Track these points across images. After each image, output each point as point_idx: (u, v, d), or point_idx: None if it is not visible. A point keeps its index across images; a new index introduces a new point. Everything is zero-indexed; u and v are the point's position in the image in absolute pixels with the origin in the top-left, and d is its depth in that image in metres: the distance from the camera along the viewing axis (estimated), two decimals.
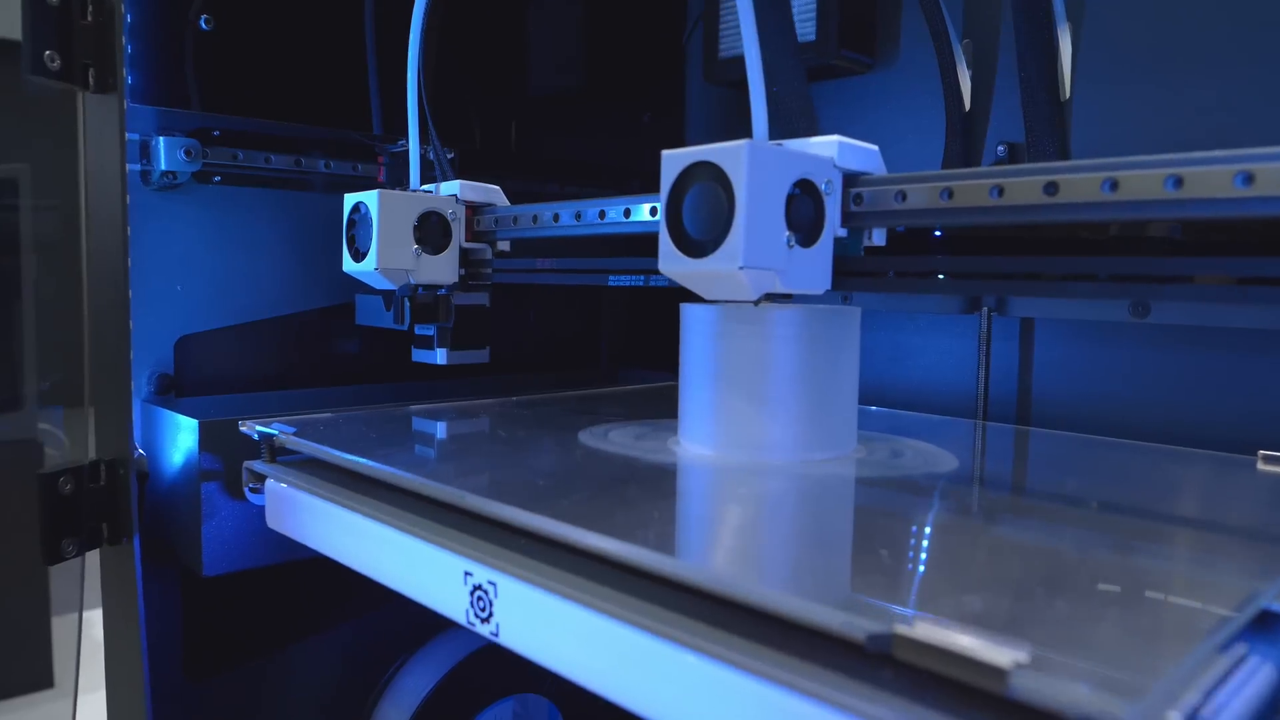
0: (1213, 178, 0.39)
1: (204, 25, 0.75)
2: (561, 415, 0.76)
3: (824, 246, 0.53)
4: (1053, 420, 0.81)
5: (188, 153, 0.76)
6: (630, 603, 0.38)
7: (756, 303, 0.56)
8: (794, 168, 0.51)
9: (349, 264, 0.78)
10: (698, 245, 0.50)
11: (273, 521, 0.64)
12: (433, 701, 0.89)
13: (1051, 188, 0.44)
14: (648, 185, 1.10)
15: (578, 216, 0.69)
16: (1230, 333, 0.72)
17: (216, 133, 0.80)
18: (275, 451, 0.65)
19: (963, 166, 0.85)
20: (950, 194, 0.49)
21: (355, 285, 0.83)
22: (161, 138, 0.75)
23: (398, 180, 0.91)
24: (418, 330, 0.83)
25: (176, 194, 0.79)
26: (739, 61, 0.99)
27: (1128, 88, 0.76)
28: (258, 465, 0.65)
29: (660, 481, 0.52)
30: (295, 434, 0.64)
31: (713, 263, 0.49)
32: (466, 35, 0.95)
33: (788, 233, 0.50)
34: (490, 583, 0.45)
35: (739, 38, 0.98)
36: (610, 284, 0.72)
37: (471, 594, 0.46)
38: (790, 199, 0.50)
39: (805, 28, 0.91)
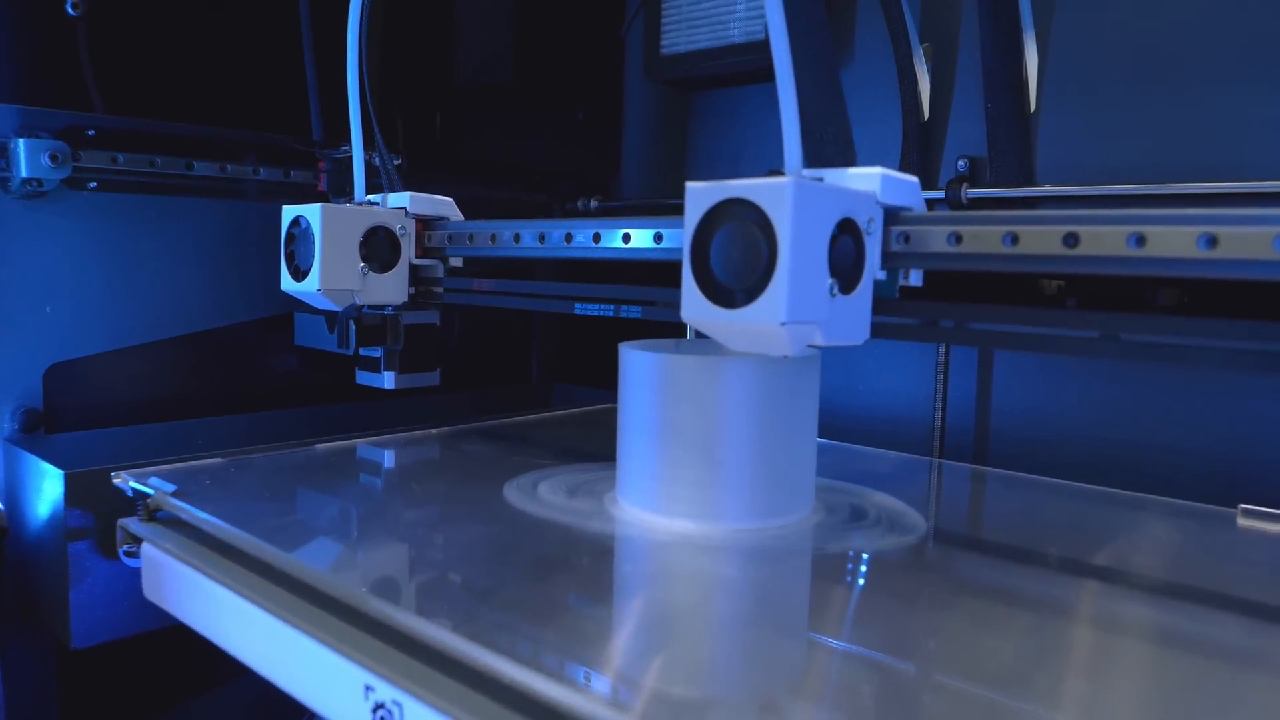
0: (1251, 240, 0.33)
1: (71, 10, 0.66)
2: (487, 455, 0.69)
3: (864, 292, 0.47)
4: (1012, 450, 0.76)
5: (54, 157, 0.66)
6: None
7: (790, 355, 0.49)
8: (837, 206, 0.45)
9: (288, 283, 0.70)
10: (728, 294, 0.43)
11: (150, 592, 0.55)
12: None
13: (1072, 239, 0.39)
14: (582, 188, 1.04)
15: (541, 238, 0.63)
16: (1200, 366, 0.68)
17: (91, 133, 0.70)
18: (153, 508, 0.57)
19: (919, 179, 0.79)
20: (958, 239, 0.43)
21: (265, 301, 0.75)
22: (21, 140, 0.65)
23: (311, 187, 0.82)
24: (363, 352, 0.76)
25: (43, 203, 0.69)
26: (684, 58, 0.93)
27: (1098, 101, 0.72)
28: (133, 525, 0.57)
29: (595, 569, 0.45)
30: (175, 493, 0.55)
31: (750, 316, 0.42)
32: (384, 28, 0.87)
33: (830, 280, 0.44)
34: (395, 703, 0.37)
35: (684, 32, 0.91)
36: (576, 312, 0.65)
37: (374, 712, 0.39)
38: (832, 241, 0.44)
39: (754, 25, 0.84)
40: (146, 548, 0.55)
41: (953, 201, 0.74)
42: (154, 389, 0.77)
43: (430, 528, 0.52)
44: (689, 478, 0.50)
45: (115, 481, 0.59)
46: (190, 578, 0.51)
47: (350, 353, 0.75)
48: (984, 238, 0.43)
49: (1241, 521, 0.55)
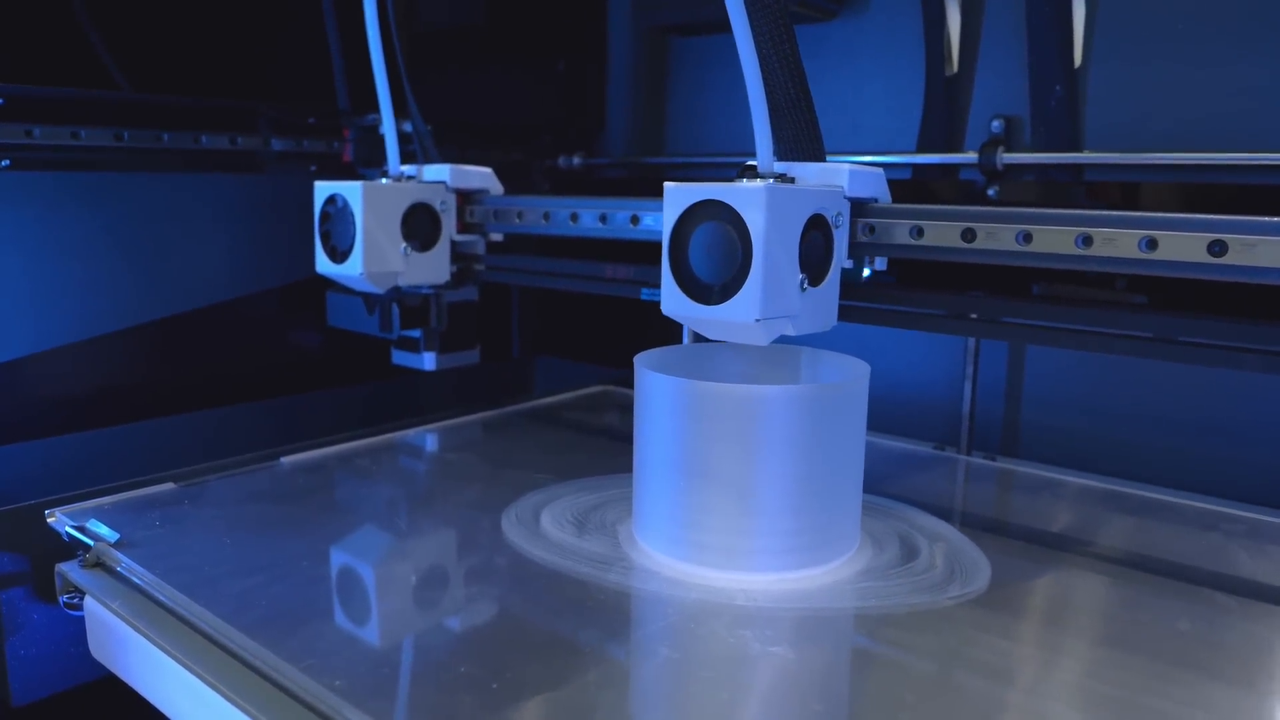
0: None
1: None
2: (478, 468, 0.62)
3: (832, 282, 0.50)
4: (1044, 437, 0.71)
5: None
6: None
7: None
8: (808, 205, 0.47)
9: (324, 264, 0.67)
10: (706, 289, 0.46)
11: (97, 651, 0.48)
12: None
13: (1149, 243, 0.38)
14: (563, 144, 0.94)
15: (603, 219, 0.61)
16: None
17: (0, 102, 0.60)
18: (94, 560, 0.49)
19: (945, 141, 0.72)
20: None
21: (219, 285, 0.67)
22: None
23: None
24: (402, 333, 0.75)
25: None
26: (673, 2, 0.83)
27: (1154, 54, 0.64)
28: (73, 573, 0.49)
29: (621, 656, 0.38)
30: (119, 543, 0.48)
31: (726, 313, 0.45)
32: None
33: (801, 275, 0.46)
34: None
35: None
36: (643, 298, 0.63)
37: None
38: (802, 238, 0.46)
39: None
40: (90, 603, 0.47)
41: (986, 167, 0.67)
42: (91, 392, 0.68)
43: (422, 587, 0.44)
44: (722, 524, 0.43)
45: (50, 522, 0.51)
46: (141, 645, 0.44)
47: (393, 337, 0.74)
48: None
49: None
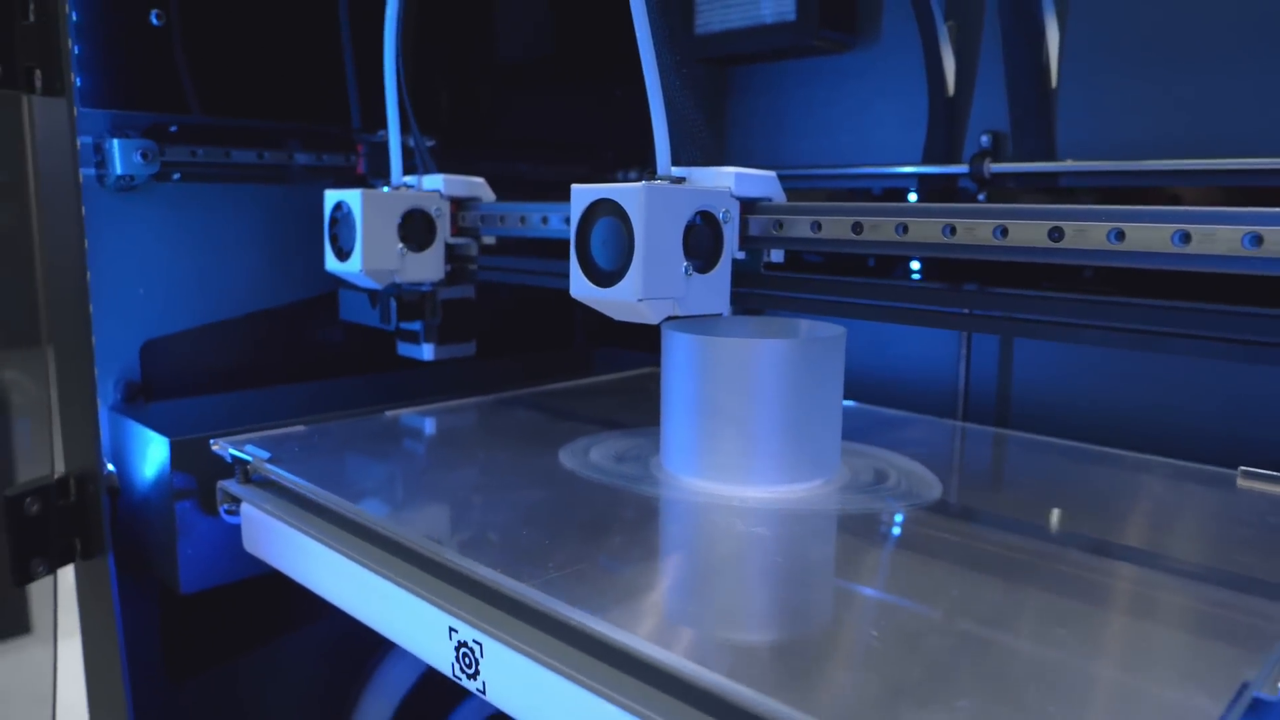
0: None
1: (155, 20, 0.71)
2: (540, 422, 0.75)
3: (722, 271, 0.58)
4: (1033, 412, 0.81)
5: (144, 155, 0.72)
6: (622, 682, 0.38)
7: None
8: (692, 202, 0.55)
9: (332, 263, 0.77)
10: (605, 275, 0.54)
11: (250, 545, 0.63)
12: (420, 689, 0.90)
13: (1057, 233, 0.46)
14: (622, 160, 1.08)
15: (568, 221, 0.68)
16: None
17: (173, 128, 0.76)
18: (251, 473, 0.64)
19: (945, 155, 0.83)
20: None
21: (327, 277, 0.82)
22: (116, 140, 0.71)
23: (375, 169, 0.89)
24: (403, 326, 0.83)
25: (134, 195, 0.76)
26: (717, 38, 0.97)
27: (1120, 75, 0.75)
28: (232, 486, 0.64)
29: (643, 529, 0.51)
30: (270, 460, 0.62)
31: (616, 293, 0.54)
32: (423, 8, 0.91)
33: (686, 262, 0.55)
34: (476, 642, 0.44)
35: (717, 12, 0.95)
36: None
37: (457, 650, 0.45)
38: (690, 229, 0.55)
39: (785, 6, 0.88)
40: (246, 507, 0.62)
41: (976, 176, 0.78)
42: (233, 360, 0.84)
43: (499, 490, 0.58)
44: (726, 447, 0.56)
45: (214, 449, 0.66)
46: (288, 534, 0.58)
47: (391, 328, 0.82)
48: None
49: (1241, 483, 0.60)
